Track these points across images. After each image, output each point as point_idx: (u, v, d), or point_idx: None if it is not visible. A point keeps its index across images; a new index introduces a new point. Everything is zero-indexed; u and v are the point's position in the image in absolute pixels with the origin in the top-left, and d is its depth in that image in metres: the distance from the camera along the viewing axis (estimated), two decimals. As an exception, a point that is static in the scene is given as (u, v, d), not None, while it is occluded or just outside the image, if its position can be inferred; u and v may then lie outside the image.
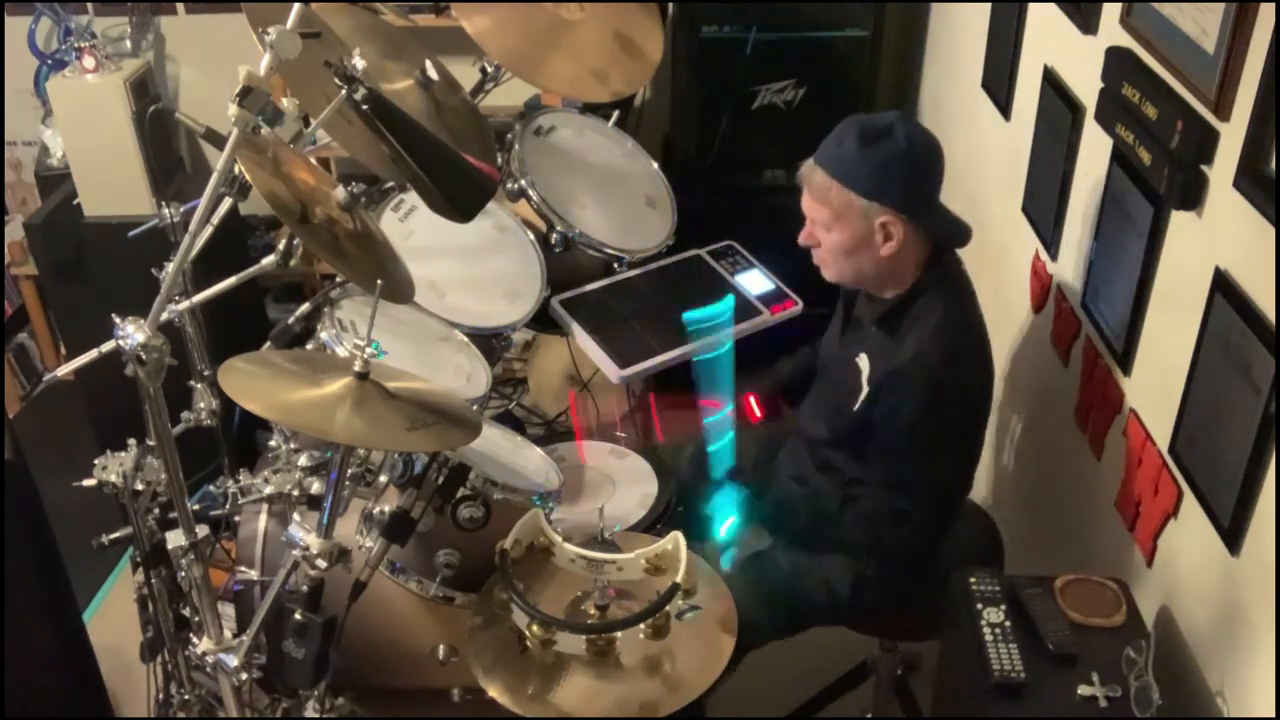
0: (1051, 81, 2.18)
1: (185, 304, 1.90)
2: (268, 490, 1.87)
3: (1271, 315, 1.41)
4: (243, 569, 1.99)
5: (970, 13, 2.73)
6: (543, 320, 2.28)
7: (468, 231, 2.13)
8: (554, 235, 2.26)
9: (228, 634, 1.69)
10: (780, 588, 2.02)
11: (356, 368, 1.56)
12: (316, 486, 1.86)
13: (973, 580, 1.72)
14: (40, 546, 2.04)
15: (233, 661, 1.66)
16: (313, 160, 1.89)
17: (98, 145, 2.93)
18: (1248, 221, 1.45)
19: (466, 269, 2.25)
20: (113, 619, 2.74)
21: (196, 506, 1.89)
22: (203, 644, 1.68)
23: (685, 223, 2.47)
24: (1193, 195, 1.60)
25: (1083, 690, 1.54)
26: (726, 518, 2.03)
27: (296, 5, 1.44)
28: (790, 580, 2.02)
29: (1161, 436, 1.72)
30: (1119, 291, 1.87)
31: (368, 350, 1.56)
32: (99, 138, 2.92)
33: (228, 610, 1.97)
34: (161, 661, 2.00)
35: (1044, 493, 2.32)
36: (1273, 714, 1.39)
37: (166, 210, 2.11)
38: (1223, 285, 1.52)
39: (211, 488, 2.17)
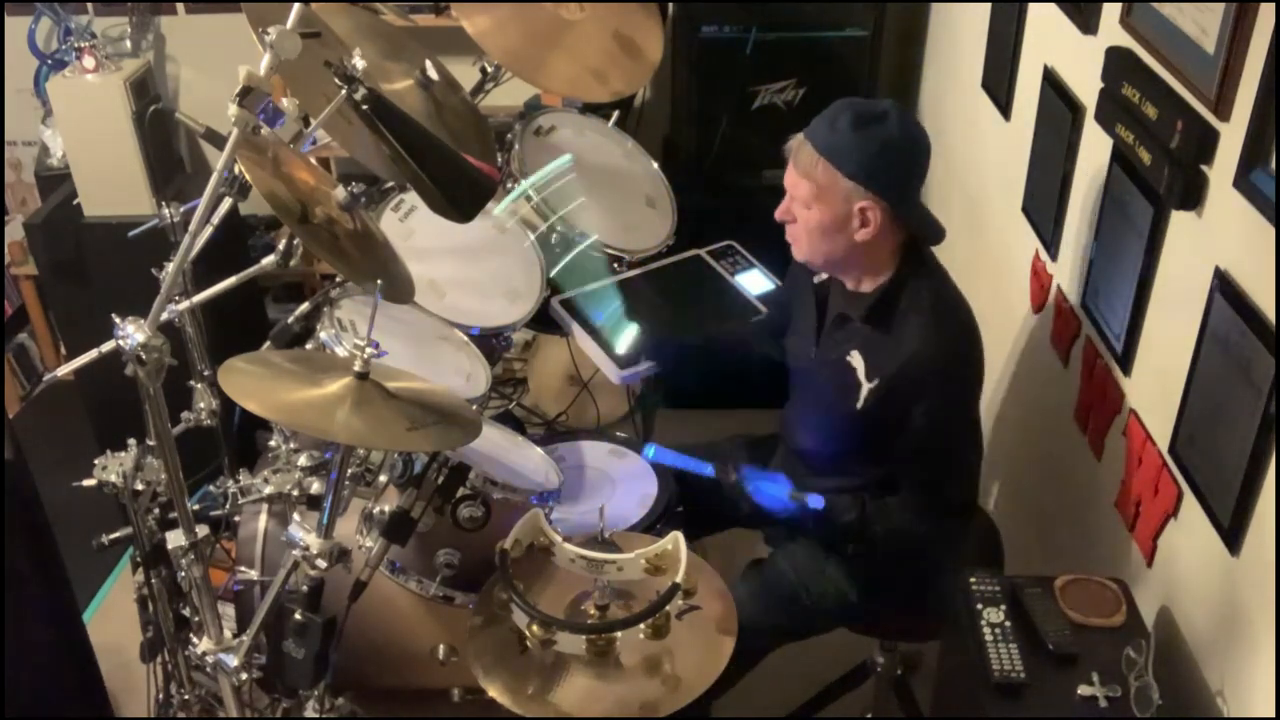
0: (1051, 81, 2.18)
1: (185, 304, 1.90)
2: (268, 490, 1.87)
3: (1271, 315, 1.41)
4: (243, 569, 1.99)
5: (970, 13, 2.73)
6: (543, 320, 2.28)
7: (468, 231, 2.14)
8: (554, 235, 2.26)
9: (228, 634, 1.68)
10: (786, 594, 2.01)
11: (356, 368, 1.56)
12: (316, 486, 1.86)
13: (973, 580, 1.72)
14: (40, 546, 2.03)
15: (233, 661, 1.66)
16: (313, 160, 1.89)
17: (98, 145, 2.93)
18: (1248, 221, 1.45)
19: (466, 269, 2.25)
20: (113, 619, 2.74)
21: (196, 506, 1.89)
22: (203, 644, 1.68)
23: (685, 223, 2.47)
24: (1193, 195, 1.60)
25: (1083, 690, 1.54)
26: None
27: (296, 5, 1.44)
28: (796, 586, 2.01)
29: (1161, 436, 1.72)
30: (1119, 291, 1.87)
31: (368, 350, 1.56)
32: (99, 138, 2.92)
33: (228, 610, 1.97)
34: (161, 661, 2.00)
35: (1044, 493, 2.32)
36: (1273, 714, 1.39)
37: (166, 210, 2.11)
38: (1223, 285, 1.52)
39: (211, 488, 2.17)
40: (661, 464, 2.06)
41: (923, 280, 1.83)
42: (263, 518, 2.00)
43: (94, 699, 2.27)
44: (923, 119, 3.19)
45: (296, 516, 1.79)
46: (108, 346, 1.59)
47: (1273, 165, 1.39)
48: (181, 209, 2.12)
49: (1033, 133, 2.28)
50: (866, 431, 1.87)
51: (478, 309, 2.19)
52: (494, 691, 1.57)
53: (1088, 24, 1.99)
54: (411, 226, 2.22)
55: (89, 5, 3.46)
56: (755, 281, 2.42)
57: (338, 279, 2.14)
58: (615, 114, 2.58)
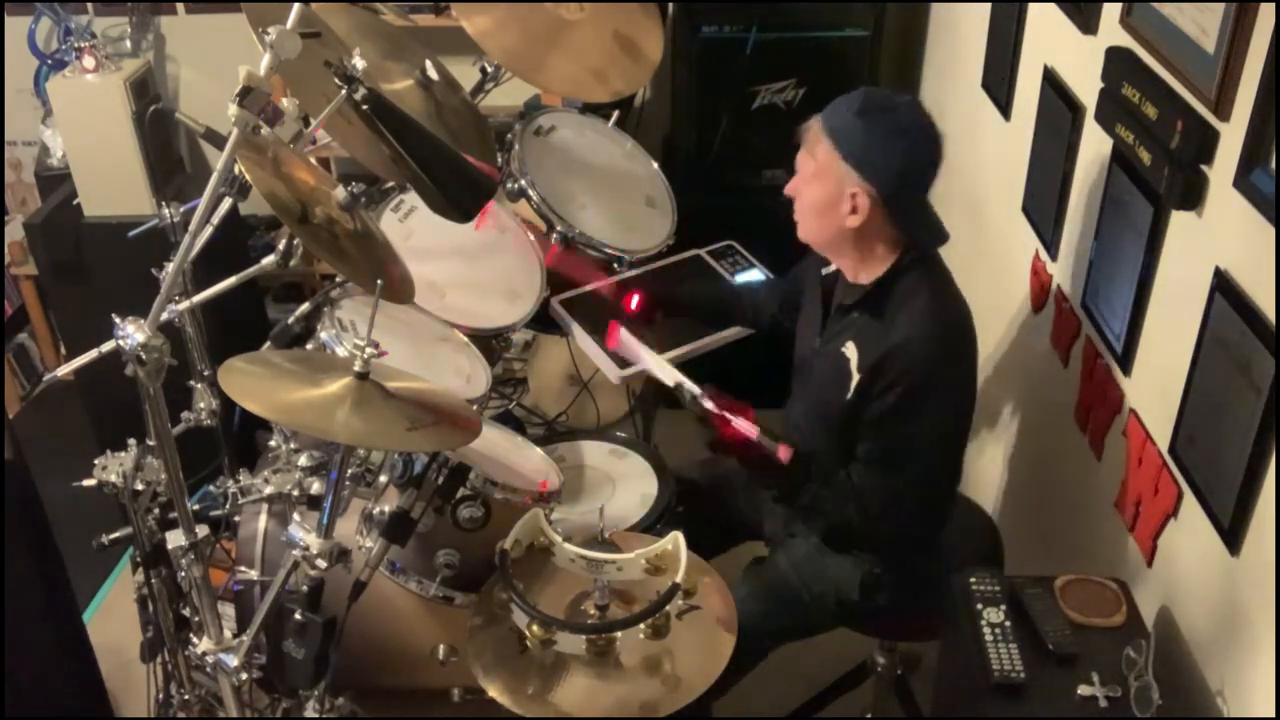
0: (1051, 81, 2.18)
1: (185, 304, 1.90)
2: (268, 490, 1.87)
3: (1271, 315, 1.41)
4: (243, 569, 2.00)
5: (970, 13, 2.73)
6: (543, 320, 2.28)
7: (468, 231, 2.14)
8: (554, 235, 2.26)
9: (228, 634, 1.69)
10: (786, 594, 2.01)
11: (356, 368, 1.56)
12: (316, 486, 1.86)
13: (973, 580, 1.72)
14: (40, 546, 2.04)
15: (233, 661, 1.66)
16: (313, 160, 1.89)
17: (98, 145, 2.93)
18: (1248, 221, 1.45)
19: (466, 269, 2.26)
20: (113, 619, 2.74)
21: (196, 506, 1.89)
22: (203, 644, 1.68)
23: (685, 223, 2.47)
24: (1193, 195, 1.60)
25: (1083, 690, 1.54)
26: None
27: (296, 5, 1.44)
28: (796, 585, 2.01)
29: (1161, 436, 1.72)
30: (1119, 291, 1.87)
31: (368, 350, 1.56)
32: (99, 138, 2.92)
33: (228, 610, 1.97)
34: (161, 661, 2.01)
35: (1044, 493, 2.32)
36: (1273, 714, 1.39)
37: (166, 210, 2.12)
38: (1223, 285, 1.52)
39: (211, 488, 2.17)
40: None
41: (921, 276, 1.83)
42: (263, 518, 2.00)
43: (94, 699, 2.27)
44: (923, 119, 3.19)
45: (296, 516, 1.79)
46: (108, 346, 1.59)
47: (1273, 165, 1.39)
48: (181, 209, 2.12)
49: (1033, 133, 2.28)
50: (853, 423, 1.86)
51: (478, 309, 2.19)
52: (494, 691, 1.57)
53: (1088, 24, 1.99)
54: (411, 226, 2.22)
55: (89, 5, 3.46)
56: (755, 281, 2.42)
57: (338, 279, 2.14)
58: (615, 114, 2.58)
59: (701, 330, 2.26)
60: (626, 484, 2.22)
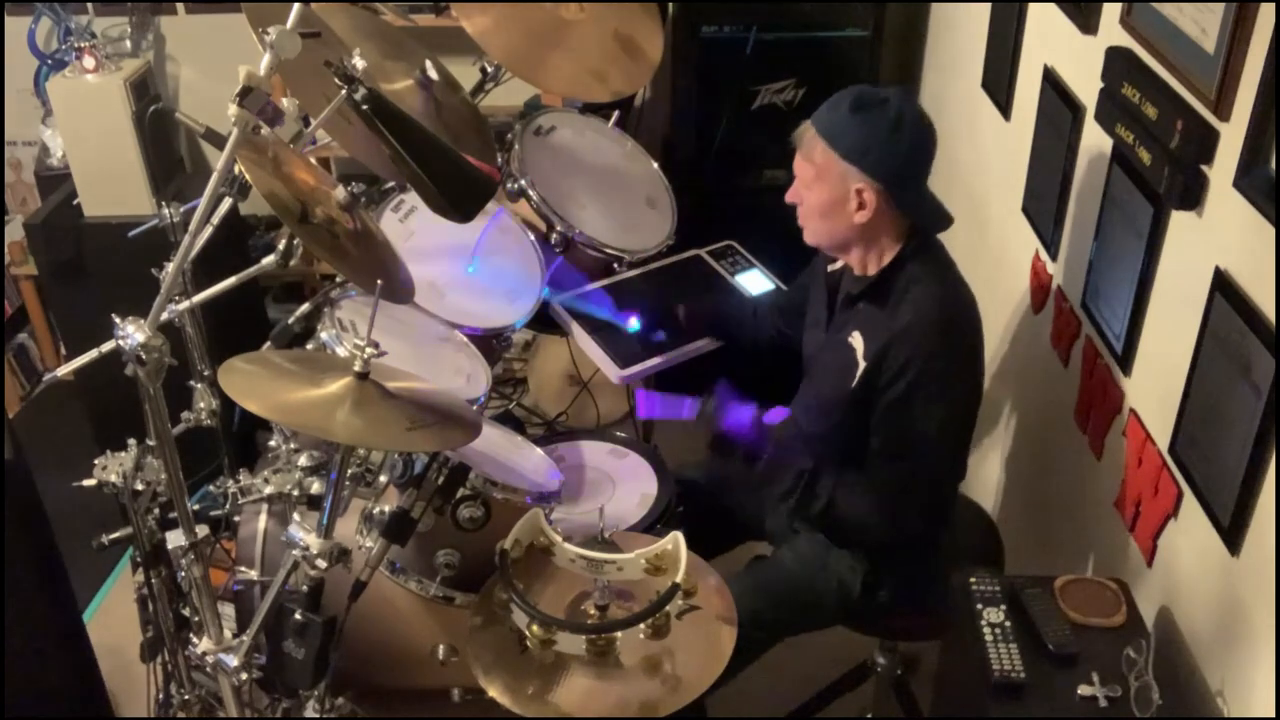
0: (1051, 81, 2.18)
1: (185, 304, 1.90)
2: (268, 490, 1.87)
3: (1271, 315, 1.41)
4: (243, 569, 1.99)
5: (970, 13, 2.73)
6: (543, 320, 2.28)
7: (468, 231, 2.14)
8: (554, 235, 2.26)
9: (228, 634, 1.69)
10: (787, 589, 2.01)
11: (356, 368, 1.56)
12: (316, 486, 1.86)
13: (973, 580, 1.72)
14: (40, 546, 2.04)
15: (233, 661, 1.66)
16: (313, 160, 1.89)
17: (98, 145, 2.93)
18: (1248, 221, 1.45)
19: (466, 269, 2.26)
20: (113, 619, 2.74)
21: (196, 506, 1.89)
22: (203, 644, 1.68)
23: (685, 223, 2.47)
24: (1193, 195, 1.60)
25: (1083, 690, 1.54)
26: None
27: (296, 5, 1.44)
28: (798, 581, 2.01)
29: (1161, 436, 1.72)
30: (1119, 291, 1.87)
31: (368, 350, 1.56)
32: (99, 138, 2.92)
33: (228, 610, 1.97)
34: (161, 661, 2.01)
35: (1044, 493, 2.32)
36: (1273, 714, 1.39)
37: (166, 210, 2.11)
38: (1223, 285, 1.52)
39: (211, 488, 2.18)
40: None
41: (925, 264, 1.84)
42: (263, 518, 2.00)
43: (94, 699, 2.27)
44: (923, 119, 3.19)
45: (296, 516, 1.79)
46: (108, 346, 1.59)
47: (1273, 165, 1.39)
48: (181, 209, 2.12)
49: (1033, 133, 2.28)
50: (856, 409, 1.87)
51: (478, 309, 2.19)
52: (494, 691, 1.57)
53: (1088, 24, 1.99)
54: (411, 227, 2.22)
55: (89, 5, 3.46)
56: (755, 281, 2.42)
57: (338, 279, 2.14)
58: (615, 114, 2.58)
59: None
60: (626, 484, 2.22)
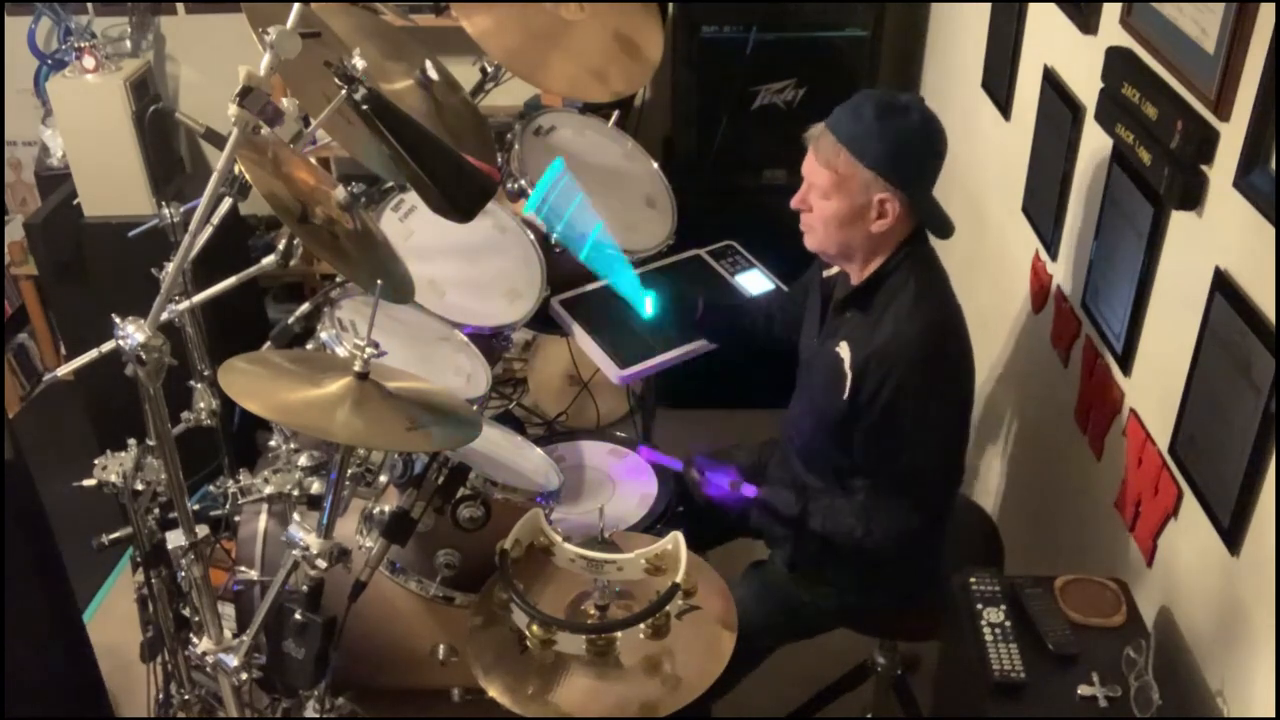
0: (1051, 81, 2.18)
1: (185, 304, 1.90)
2: (268, 490, 1.87)
3: (1271, 315, 1.41)
4: (243, 569, 2.00)
5: (970, 13, 2.74)
6: (543, 320, 2.28)
7: (468, 231, 2.14)
8: (554, 235, 2.26)
9: (228, 634, 1.69)
10: (786, 594, 2.01)
11: (356, 368, 1.56)
12: (316, 486, 1.86)
13: (973, 580, 1.72)
14: (40, 546, 2.04)
15: (233, 661, 1.66)
16: (313, 160, 1.89)
17: (98, 145, 2.93)
18: (1248, 221, 1.45)
19: (466, 269, 2.26)
20: (113, 619, 2.74)
21: (196, 506, 1.90)
22: (203, 644, 1.68)
23: (685, 223, 2.47)
24: (1193, 195, 1.60)
25: (1083, 690, 1.54)
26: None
27: (296, 5, 1.44)
28: (796, 586, 2.01)
29: (1161, 436, 1.72)
30: (1119, 291, 1.87)
31: (368, 350, 1.56)
32: (99, 138, 2.92)
33: (228, 610, 1.97)
34: (161, 661, 2.01)
35: (1044, 493, 2.32)
36: (1273, 714, 1.39)
37: (166, 210, 2.11)
38: (1223, 285, 1.52)
39: (211, 488, 2.18)
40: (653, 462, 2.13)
41: (911, 271, 1.82)
42: (263, 518, 2.00)
43: (94, 699, 2.27)
44: (923, 119, 3.19)
45: (296, 516, 1.79)
46: (108, 346, 1.59)
47: (1273, 165, 1.39)
48: (181, 209, 2.12)
49: (1033, 133, 2.28)
50: (848, 423, 1.86)
51: (478, 309, 2.19)
52: (494, 691, 1.57)
53: (1088, 24, 1.99)
54: (411, 226, 2.22)
55: (89, 5, 3.46)
56: (755, 281, 2.42)
57: (338, 279, 2.14)
58: (615, 114, 2.59)
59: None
60: (626, 484, 2.22)
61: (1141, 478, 1.77)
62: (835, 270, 1.96)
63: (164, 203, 2.15)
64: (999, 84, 2.51)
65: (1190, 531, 1.63)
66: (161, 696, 2.08)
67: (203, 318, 2.11)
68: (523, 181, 2.26)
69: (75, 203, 2.98)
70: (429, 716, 2.02)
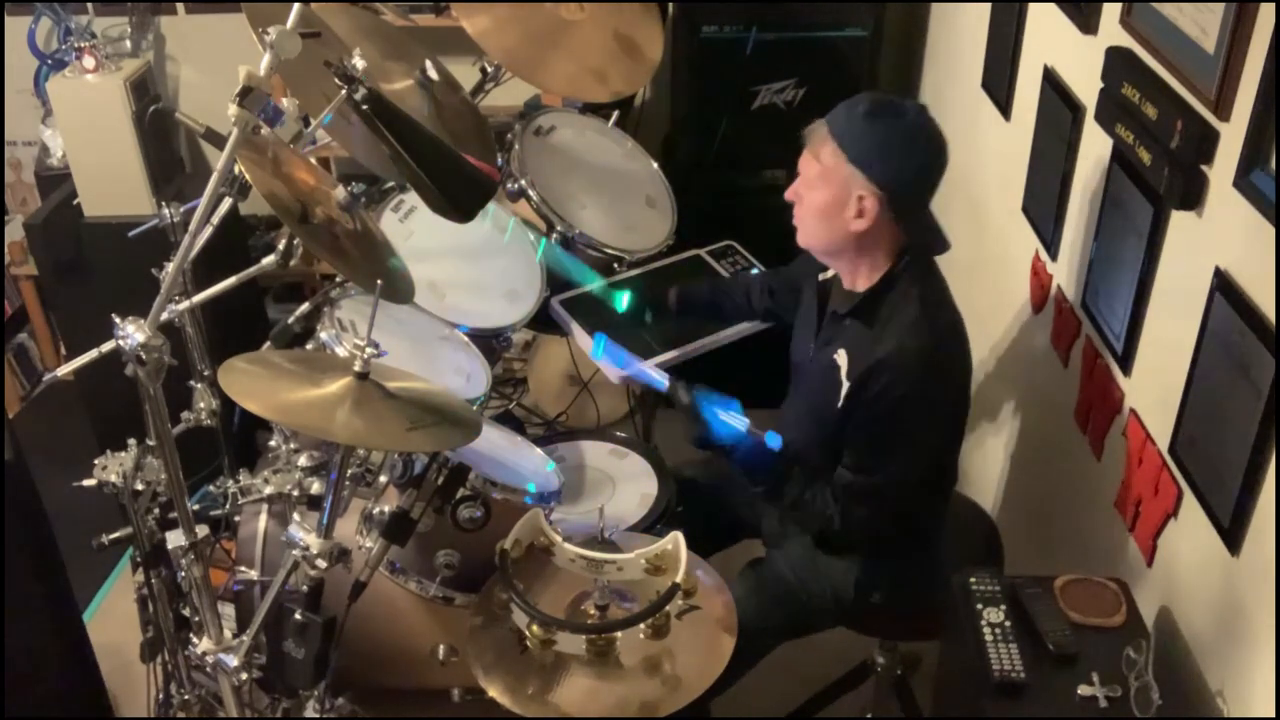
0: (1051, 81, 2.18)
1: (185, 304, 1.90)
2: (268, 490, 1.87)
3: (1271, 315, 1.41)
4: (243, 569, 2.00)
5: (970, 13, 2.74)
6: (543, 320, 2.28)
7: (468, 231, 2.14)
8: (554, 235, 2.26)
9: (228, 634, 1.68)
10: (784, 593, 2.01)
11: (356, 368, 1.56)
12: (316, 486, 1.86)
13: (973, 580, 1.72)
14: (40, 546, 2.04)
15: (233, 661, 1.66)
16: (313, 160, 1.89)
17: (98, 145, 2.93)
18: (1248, 221, 1.45)
19: (466, 269, 2.26)
20: (113, 619, 2.74)
21: (196, 506, 1.90)
22: (203, 644, 1.68)
23: (685, 223, 2.47)
24: (1193, 195, 1.60)
25: (1083, 690, 1.54)
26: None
27: (296, 5, 1.44)
28: (793, 584, 2.01)
29: (1161, 436, 1.72)
30: (1119, 291, 1.87)
31: (368, 350, 1.56)
32: (99, 138, 2.92)
33: (228, 610, 1.97)
34: (161, 661, 2.01)
35: (1044, 493, 2.32)
36: (1273, 714, 1.39)
37: (166, 210, 2.12)
38: (1223, 285, 1.52)
39: (211, 488, 2.18)
40: (612, 362, 2.03)
41: (915, 284, 1.82)
42: (263, 518, 2.00)
43: (94, 699, 2.27)
44: (923, 119, 3.19)
45: (296, 516, 1.79)
46: (108, 346, 1.59)
47: (1273, 165, 1.39)
48: (181, 209, 2.12)
49: (1033, 133, 2.28)
50: (844, 431, 1.86)
51: (478, 309, 2.19)
52: (494, 691, 1.58)
53: (1088, 24, 1.99)
54: (411, 226, 2.22)
55: (89, 5, 3.46)
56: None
57: (338, 279, 2.14)
58: (615, 114, 2.59)
59: (699, 332, 2.25)
60: (626, 484, 2.22)
61: (1141, 478, 1.77)
62: (831, 273, 1.96)
63: (164, 203, 2.15)
64: (999, 84, 2.51)
65: (1190, 531, 1.63)
66: (161, 696, 2.08)
67: (203, 318, 2.11)
68: (523, 181, 2.26)
69: (75, 203, 2.98)
70: (429, 716, 2.02)
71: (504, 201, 2.32)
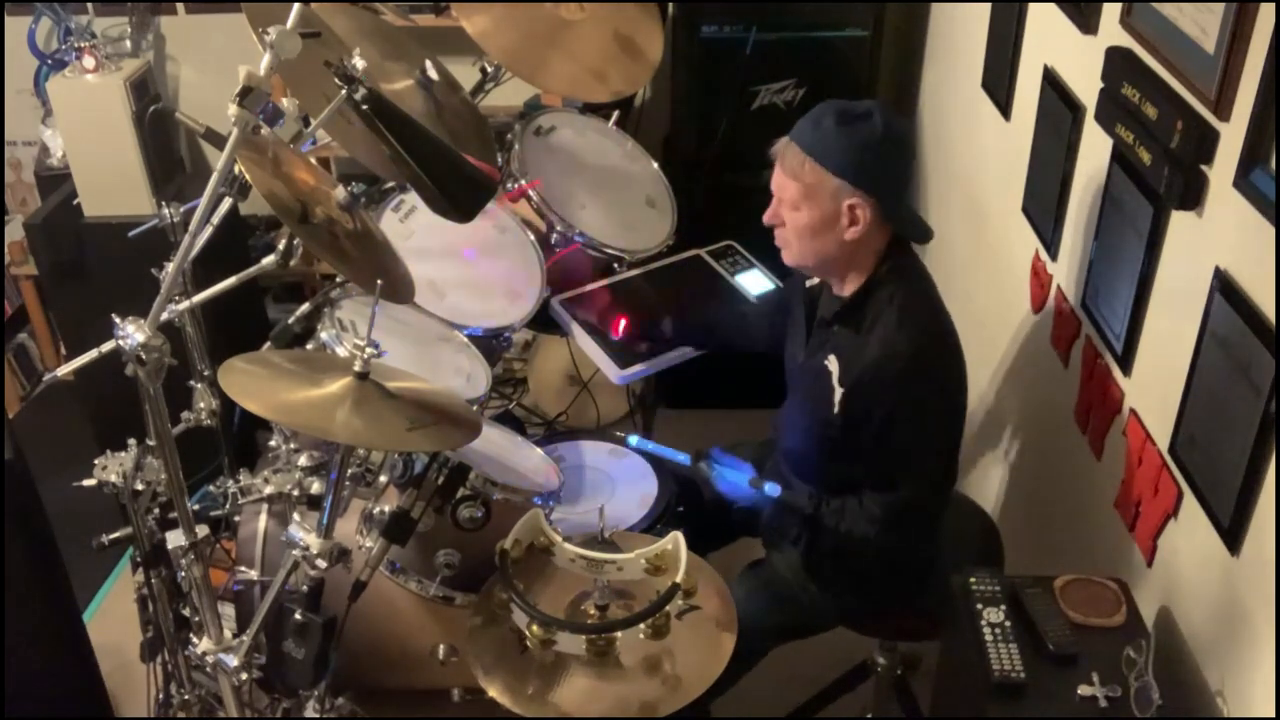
0: (1051, 81, 2.18)
1: (185, 304, 1.90)
2: (268, 490, 1.87)
3: (1271, 315, 1.41)
4: (243, 569, 2.00)
5: (970, 13, 2.73)
6: (543, 320, 2.28)
7: (468, 231, 2.14)
8: (554, 235, 2.26)
9: (228, 634, 1.69)
10: (784, 593, 2.01)
11: (356, 368, 1.56)
12: (316, 486, 1.86)
13: (973, 580, 1.72)
14: (40, 546, 2.04)
15: (233, 661, 1.66)
16: (313, 160, 1.89)
17: (98, 145, 2.93)
18: (1248, 221, 1.45)
19: (467, 270, 2.26)
20: (113, 619, 2.74)
21: (196, 506, 1.90)
22: (203, 644, 1.68)
23: (685, 223, 2.47)
24: (1193, 195, 1.60)
25: (1083, 690, 1.54)
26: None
27: (296, 5, 1.44)
28: (793, 585, 2.01)
29: (1161, 436, 1.72)
30: (1119, 291, 1.87)
31: (368, 350, 1.56)
32: (99, 138, 2.92)
33: (228, 610, 1.97)
34: (161, 661, 2.01)
35: (1044, 493, 2.32)
36: (1273, 714, 1.39)
37: (166, 210, 2.12)
38: (1223, 285, 1.52)
39: (211, 488, 2.18)
40: (644, 450, 2.12)
41: (897, 284, 1.82)
42: (263, 518, 2.00)
43: (94, 699, 2.27)
44: (922, 119, 3.19)
45: (296, 516, 1.79)
46: (108, 346, 1.59)
47: (1273, 165, 1.39)
48: (181, 209, 2.12)
49: (1033, 133, 2.28)
50: (841, 437, 1.87)
51: (478, 309, 2.19)
52: (494, 691, 1.58)
53: (1088, 24, 1.99)
54: (411, 226, 2.22)
55: (89, 5, 3.46)
56: (755, 281, 2.42)
57: (338, 279, 2.14)
58: (615, 114, 2.59)
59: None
60: (626, 484, 2.22)
61: (1141, 478, 1.77)
62: (817, 281, 1.96)
63: (164, 203, 2.15)
64: (999, 84, 2.51)
65: (1190, 531, 1.63)
66: (161, 696, 2.08)
67: (203, 318, 2.11)
68: (523, 181, 2.26)
69: (75, 203, 2.98)
70: (429, 716, 2.02)
71: (504, 201, 2.32)
